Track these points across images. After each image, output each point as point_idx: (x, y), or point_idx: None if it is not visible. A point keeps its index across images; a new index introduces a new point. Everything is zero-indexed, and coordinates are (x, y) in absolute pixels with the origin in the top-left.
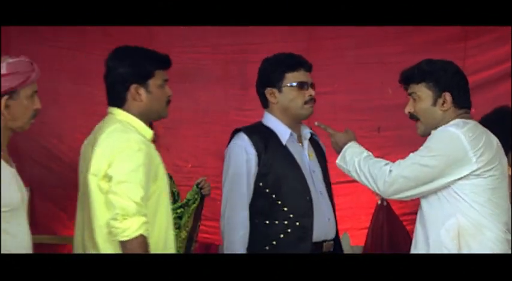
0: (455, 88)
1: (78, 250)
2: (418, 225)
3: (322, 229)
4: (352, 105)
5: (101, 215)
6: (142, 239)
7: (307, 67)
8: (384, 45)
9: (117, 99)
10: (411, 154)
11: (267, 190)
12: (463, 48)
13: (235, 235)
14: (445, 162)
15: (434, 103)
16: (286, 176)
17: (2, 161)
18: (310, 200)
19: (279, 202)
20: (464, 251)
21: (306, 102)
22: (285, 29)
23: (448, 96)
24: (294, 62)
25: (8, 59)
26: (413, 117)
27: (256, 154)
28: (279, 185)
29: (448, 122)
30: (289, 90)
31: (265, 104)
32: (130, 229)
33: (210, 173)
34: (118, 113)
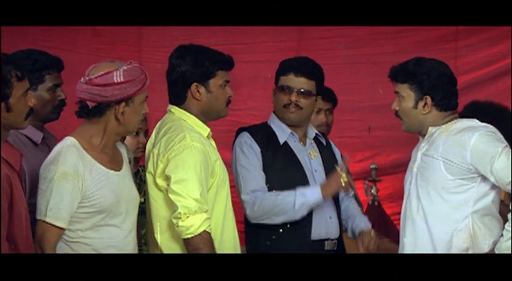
0: (438, 92)
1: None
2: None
3: (322, 227)
4: (342, 106)
5: (158, 212)
6: (206, 236)
7: (303, 72)
8: (375, 45)
9: (178, 97)
10: None
11: (268, 185)
12: (454, 48)
13: (282, 204)
14: None
15: (416, 105)
16: (287, 174)
17: (99, 164)
18: None
19: None
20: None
21: (284, 106)
22: (275, 29)
23: (429, 100)
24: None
25: (123, 66)
26: (397, 115)
27: (260, 150)
28: (278, 184)
29: (433, 124)
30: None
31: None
32: (193, 226)
33: None
34: (175, 111)
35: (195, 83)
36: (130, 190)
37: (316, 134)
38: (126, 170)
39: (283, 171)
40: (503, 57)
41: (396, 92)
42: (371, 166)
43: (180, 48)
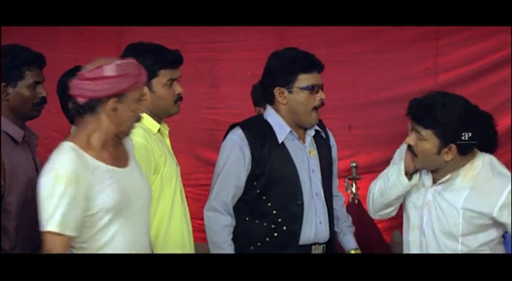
0: (464, 140)
1: None
2: None
3: (311, 232)
4: None
5: None
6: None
7: (320, 68)
8: (355, 44)
9: None
10: None
11: (258, 191)
12: (435, 46)
13: (218, 233)
14: None
15: (439, 152)
16: (280, 178)
17: (101, 163)
18: (302, 204)
19: (269, 204)
20: None
21: (315, 108)
22: (255, 28)
23: (453, 148)
24: (309, 64)
25: (117, 61)
26: (411, 150)
27: (250, 154)
28: (271, 187)
29: (454, 168)
30: (300, 93)
31: (271, 101)
32: None
33: (181, 171)
34: None
35: None
36: (140, 186)
37: (317, 130)
38: (133, 166)
39: (276, 175)
40: (484, 55)
41: (416, 131)
42: (351, 164)
43: (126, 49)
